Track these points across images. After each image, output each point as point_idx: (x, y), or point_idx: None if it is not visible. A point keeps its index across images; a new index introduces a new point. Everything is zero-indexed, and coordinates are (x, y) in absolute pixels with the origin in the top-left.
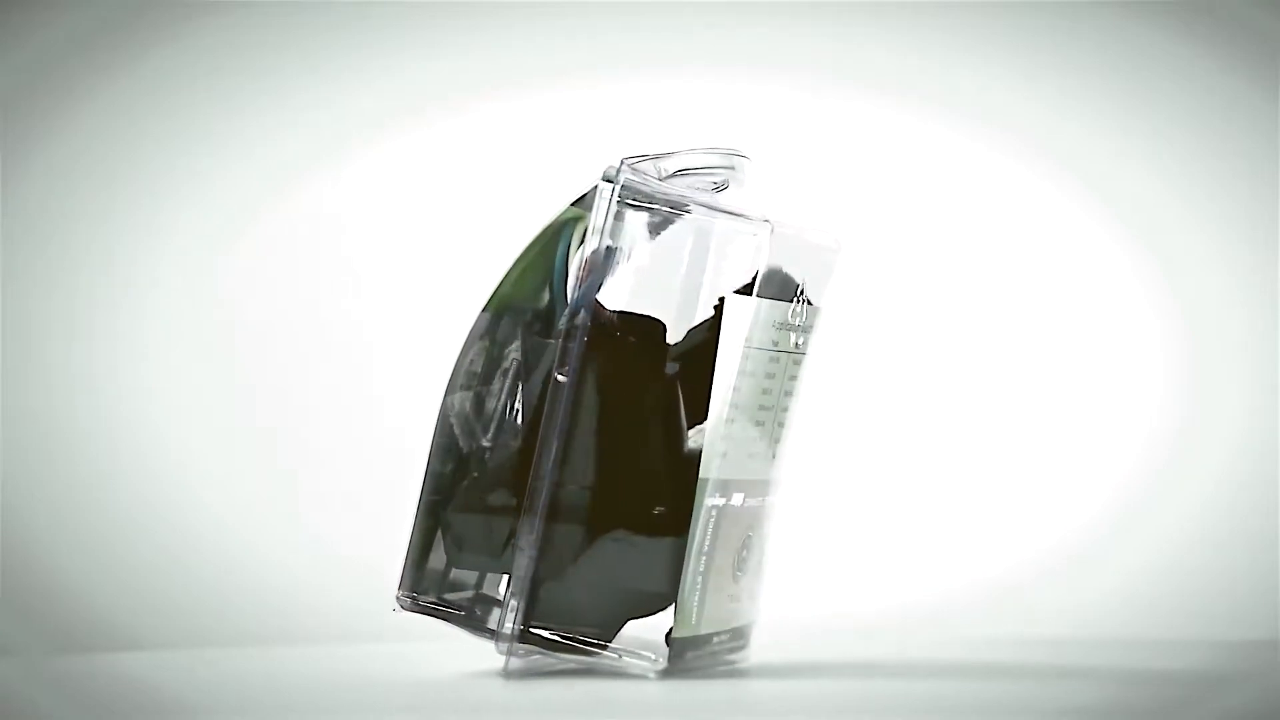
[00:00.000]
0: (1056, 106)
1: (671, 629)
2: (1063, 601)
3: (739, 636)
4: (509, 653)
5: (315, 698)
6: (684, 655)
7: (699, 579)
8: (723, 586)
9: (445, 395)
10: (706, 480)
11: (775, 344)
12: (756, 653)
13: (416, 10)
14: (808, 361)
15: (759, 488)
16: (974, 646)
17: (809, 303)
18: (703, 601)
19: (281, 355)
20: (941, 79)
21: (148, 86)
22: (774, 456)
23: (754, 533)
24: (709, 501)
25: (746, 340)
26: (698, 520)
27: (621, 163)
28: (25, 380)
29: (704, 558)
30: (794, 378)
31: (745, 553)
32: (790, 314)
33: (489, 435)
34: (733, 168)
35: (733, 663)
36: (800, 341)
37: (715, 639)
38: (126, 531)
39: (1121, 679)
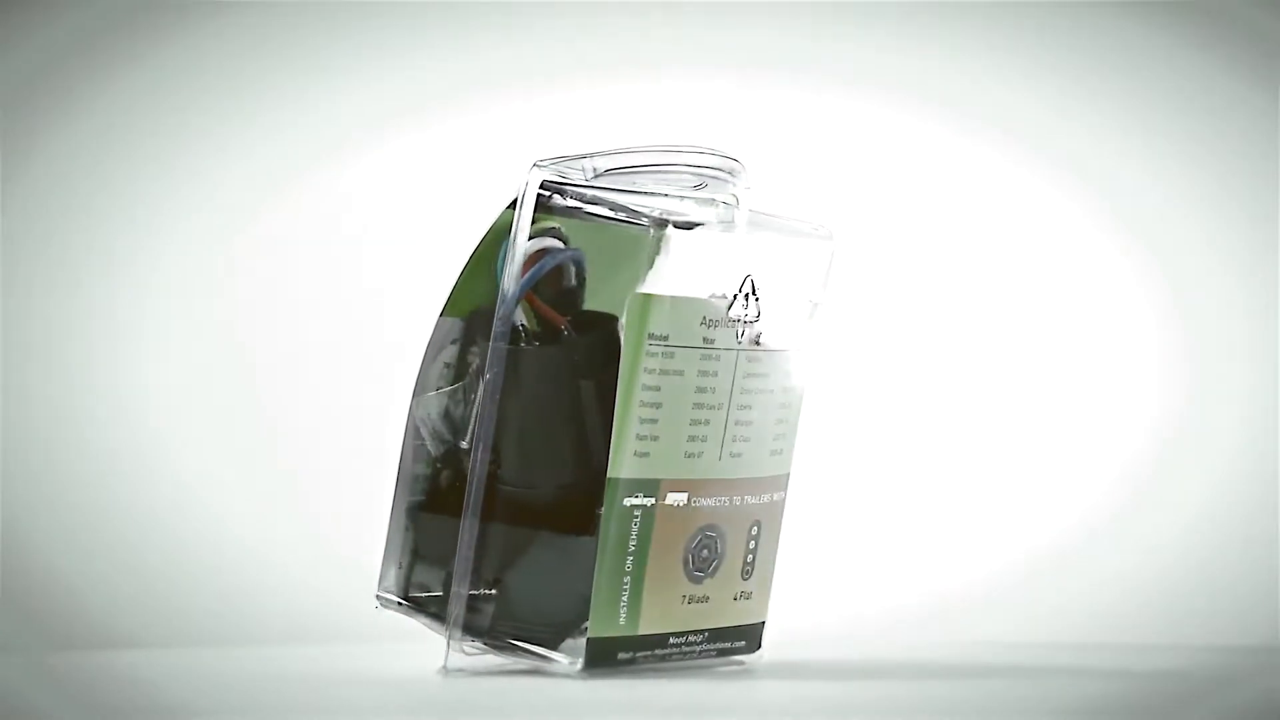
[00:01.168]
0: (1056, 106)
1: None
2: (1062, 602)
3: (727, 637)
4: (447, 649)
5: (314, 696)
6: (613, 655)
7: (625, 579)
8: (671, 586)
9: (413, 398)
10: (618, 480)
11: (709, 341)
12: (756, 653)
13: (415, 10)
14: (795, 356)
15: (720, 487)
16: (972, 647)
17: (753, 297)
18: (635, 601)
19: (280, 354)
20: (942, 79)
21: (146, 86)
22: (738, 455)
23: (722, 532)
24: (626, 501)
25: (659, 338)
26: (610, 520)
27: (533, 165)
28: (25, 380)
29: (630, 558)
30: (760, 375)
31: (707, 553)
32: (730, 310)
33: (461, 439)
34: (671, 165)
35: (734, 663)
36: (758, 338)
37: (675, 639)
38: (123, 530)
39: (1121, 679)
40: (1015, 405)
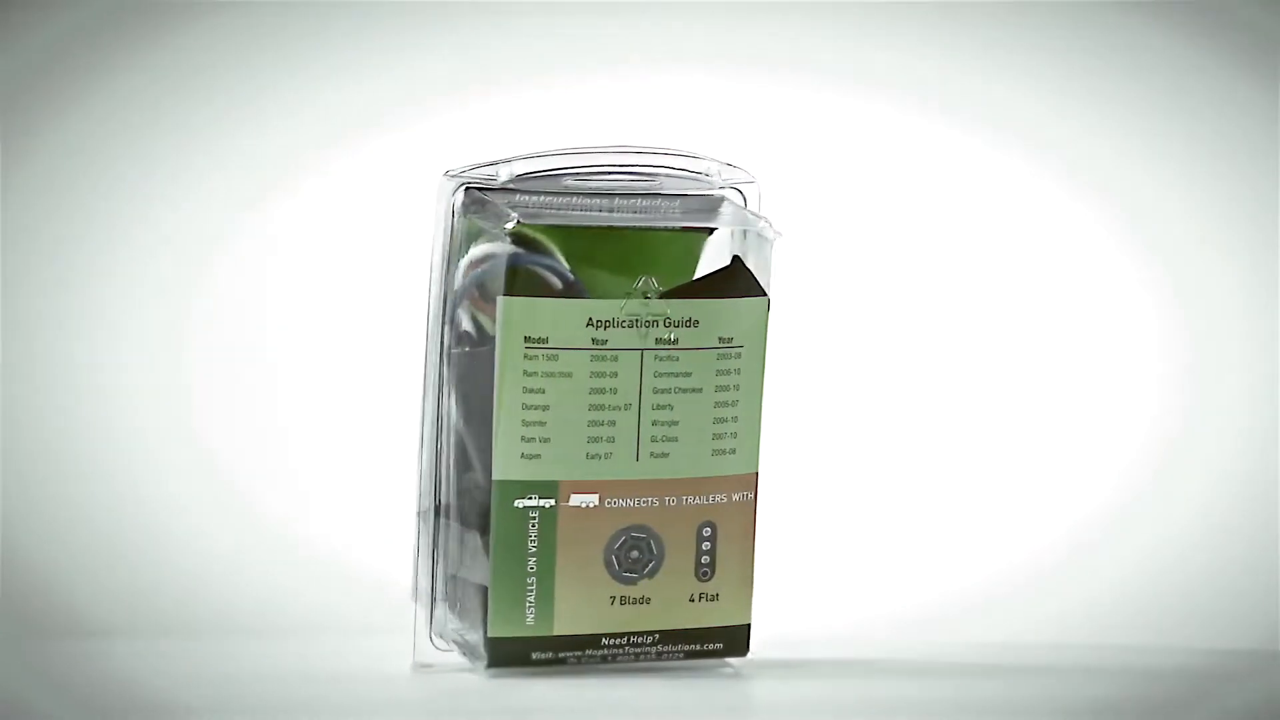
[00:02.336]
0: (1056, 105)
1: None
2: (1062, 602)
3: (692, 639)
4: (414, 646)
5: (315, 695)
6: (525, 656)
7: (530, 580)
8: (593, 587)
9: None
10: (504, 482)
11: (601, 342)
12: (755, 654)
13: (415, 10)
14: (738, 353)
15: (643, 488)
16: (972, 648)
17: (650, 295)
18: (545, 601)
19: (280, 354)
20: (941, 79)
21: (145, 87)
22: (663, 456)
23: (655, 533)
24: (518, 503)
25: (537, 341)
26: (501, 521)
27: (444, 174)
28: (24, 380)
29: (532, 559)
30: (678, 374)
31: (638, 554)
32: (622, 310)
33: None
34: (590, 166)
35: (720, 666)
36: (669, 337)
37: (610, 640)
38: (119, 527)
39: (1121, 679)
40: (1016, 406)
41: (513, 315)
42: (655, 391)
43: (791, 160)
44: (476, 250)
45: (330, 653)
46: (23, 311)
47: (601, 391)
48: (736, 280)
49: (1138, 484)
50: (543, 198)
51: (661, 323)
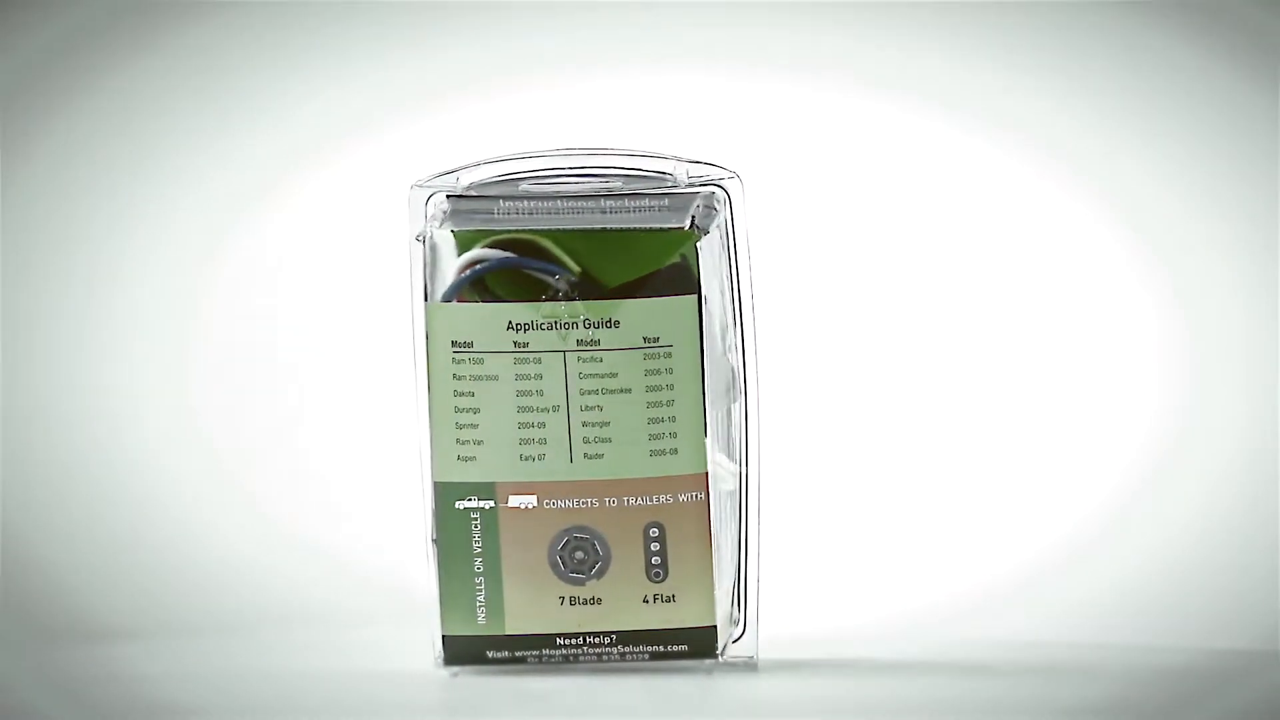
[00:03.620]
0: (1056, 104)
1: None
2: (1061, 601)
3: (653, 640)
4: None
5: (316, 694)
6: (481, 653)
7: (478, 579)
8: (541, 587)
9: None
10: (444, 484)
11: (522, 345)
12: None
13: (416, 10)
14: (669, 353)
15: (580, 489)
16: (972, 648)
17: (569, 296)
18: (495, 601)
19: (287, 352)
20: (941, 79)
21: (145, 87)
22: (598, 457)
23: (599, 534)
24: (459, 504)
25: (462, 345)
26: (444, 522)
27: (411, 187)
28: (23, 380)
29: (478, 559)
30: (604, 375)
31: (583, 554)
32: (539, 312)
33: None
34: (542, 170)
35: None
36: (590, 339)
37: (565, 640)
38: (118, 527)
39: (1122, 679)
40: (1016, 406)
41: (438, 321)
42: (582, 393)
43: (793, 161)
44: (469, 254)
45: (338, 651)
46: (24, 312)
47: (528, 394)
48: (673, 280)
49: (1138, 484)
50: (518, 203)
51: (580, 324)
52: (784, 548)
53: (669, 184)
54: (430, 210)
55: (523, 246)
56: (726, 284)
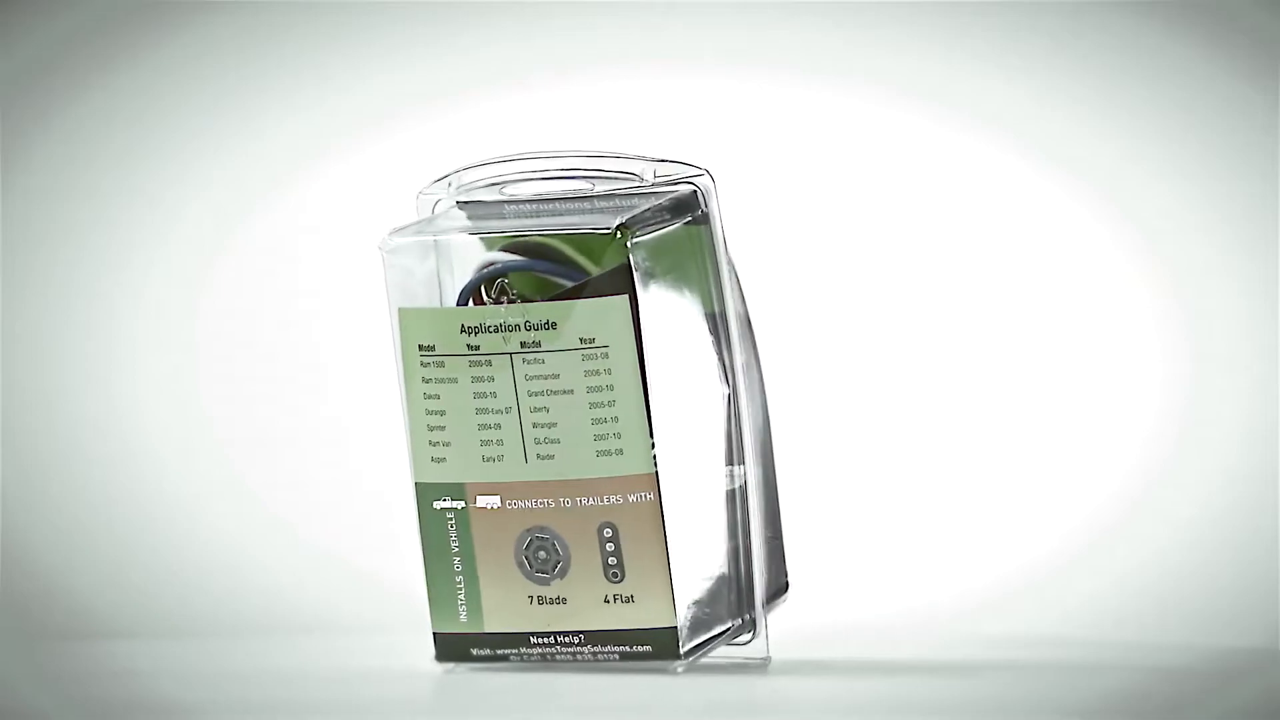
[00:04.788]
0: (1056, 106)
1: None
2: (1061, 600)
3: (617, 641)
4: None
5: (316, 693)
6: (466, 651)
7: (458, 578)
8: (511, 587)
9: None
10: (422, 484)
11: (474, 348)
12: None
13: (419, 10)
14: (606, 353)
15: (536, 490)
16: (972, 646)
17: (511, 299)
18: (474, 600)
19: (292, 351)
20: (941, 79)
21: (144, 87)
22: (549, 458)
23: (556, 534)
24: (436, 505)
25: (427, 349)
26: (424, 522)
27: (418, 194)
28: (23, 380)
29: (456, 558)
30: (547, 376)
31: (544, 554)
32: (488, 317)
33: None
34: (525, 172)
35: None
36: (534, 340)
37: (538, 639)
38: (119, 526)
39: (1122, 679)
40: (1016, 406)
41: (407, 324)
42: (530, 395)
43: (794, 162)
44: (486, 256)
45: (343, 651)
46: (26, 312)
47: (484, 396)
48: (614, 281)
49: (1137, 484)
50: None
51: (523, 326)
52: (788, 547)
53: (636, 185)
54: (438, 213)
55: (536, 249)
56: (711, 280)
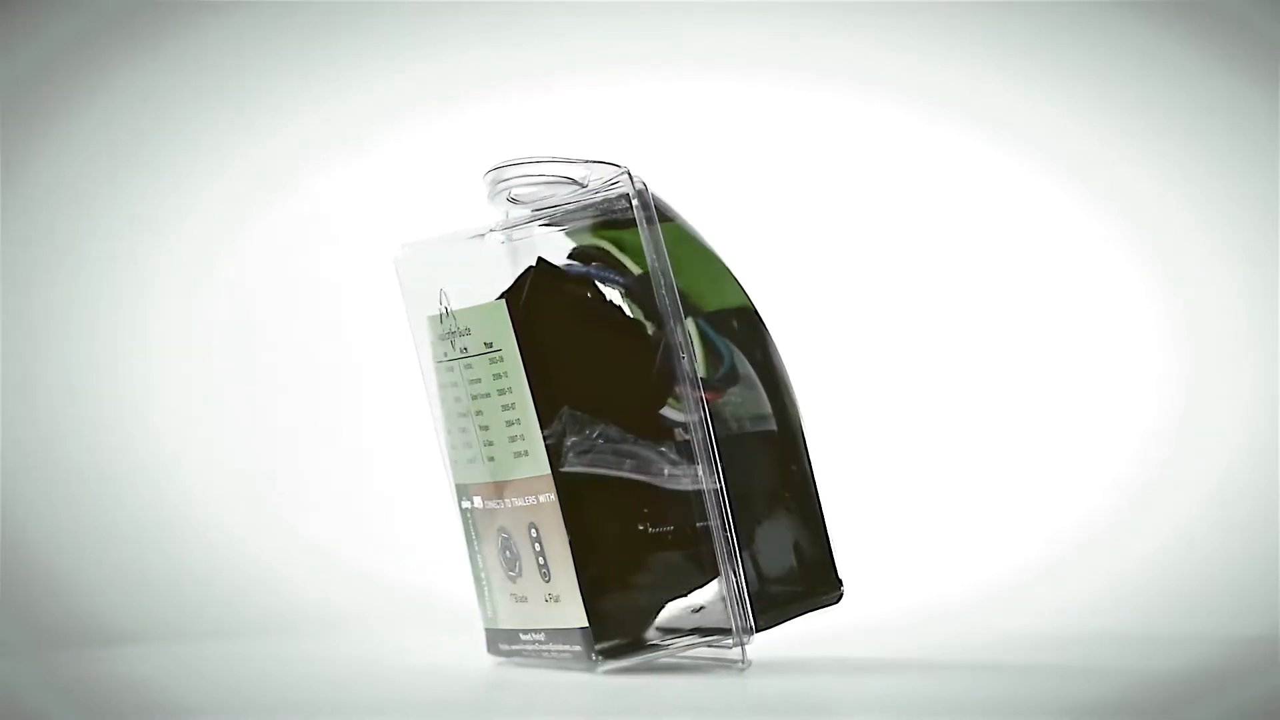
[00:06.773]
0: (1057, 106)
1: None
2: (1061, 599)
3: (565, 640)
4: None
5: (318, 694)
6: (496, 645)
7: (482, 575)
8: (500, 584)
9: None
10: (456, 485)
11: (445, 355)
12: (755, 653)
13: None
14: (499, 359)
15: (492, 490)
16: (972, 645)
17: (447, 309)
18: (490, 597)
19: (280, 355)
20: (943, 80)
21: (144, 87)
22: (492, 460)
23: (510, 533)
24: (463, 504)
25: (436, 357)
26: (462, 522)
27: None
28: (30, 381)
29: (480, 556)
30: (477, 380)
31: (509, 553)
32: (443, 323)
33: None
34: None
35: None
36: (463, 346)
37: (525, 635)
38: (123, 527)
39: (1122, 677)
40: (1016, 406)
41: (426, 332)
42: (473, 398)
43: (796, 162)
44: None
45: (351, 650)
46: (30, 313)
47: (455, 400)
48: (517, 284)
49: (1138, 483)
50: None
51: (457, 332)
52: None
53: (578, 188)
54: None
55: (589, 254)
56: (659, 279)
